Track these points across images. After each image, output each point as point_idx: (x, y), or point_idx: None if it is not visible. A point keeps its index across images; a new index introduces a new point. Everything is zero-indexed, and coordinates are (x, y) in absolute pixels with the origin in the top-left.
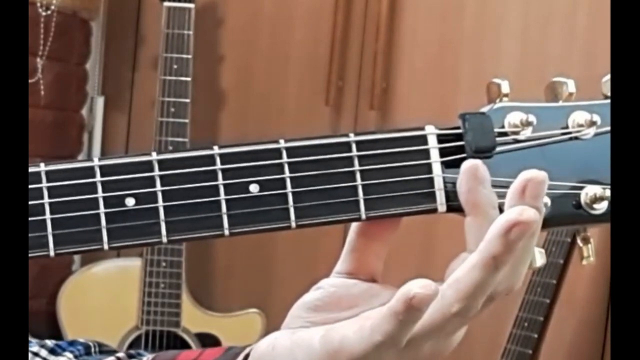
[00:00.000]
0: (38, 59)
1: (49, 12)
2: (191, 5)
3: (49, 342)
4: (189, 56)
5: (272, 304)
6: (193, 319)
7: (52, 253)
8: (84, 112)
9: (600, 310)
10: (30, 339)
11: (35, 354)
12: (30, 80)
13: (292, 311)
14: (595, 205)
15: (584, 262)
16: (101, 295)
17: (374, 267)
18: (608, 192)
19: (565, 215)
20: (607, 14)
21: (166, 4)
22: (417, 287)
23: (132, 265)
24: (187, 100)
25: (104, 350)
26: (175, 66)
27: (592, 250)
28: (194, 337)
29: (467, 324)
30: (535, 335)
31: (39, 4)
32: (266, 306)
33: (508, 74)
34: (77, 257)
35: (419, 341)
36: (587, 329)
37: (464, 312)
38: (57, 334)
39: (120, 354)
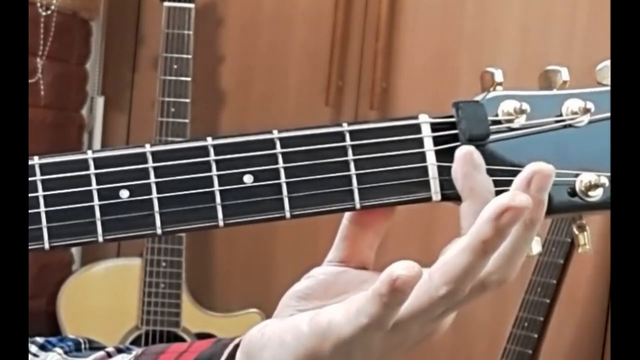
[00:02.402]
0: (38, 59)
1: (49, 12)
2: (191, 5)
3: (39, 339)
4: (189, 56)
5: (272, 304)
6: (193, 319)
7: (46, 246)
8: (84, 112)
9: (600, 310)
10: None
11: None
12: (30, 80)
13: (282, 300)
14: (590, 193)
15: (580, 250)
16: (101, 295)
17: (365, 256)
18: (603, 179)
19: (560, 203)
20: (607, 14)
21: (166, 4)
22: (400, 269)
23: (132, 265)
24: (187, 100)
25: (94, 346)
26: (175, 66)
27: (588, 238)
28: (194, 337)
29: (455, 309)
30: (535, 335)
31: (39, 4)
32: (266, 306)
33: (508, 73)
34: (77, 257)
35: (407, 324)
36: (587, 329)
37: (451, 296)
38: (57, 334)
39: (109, 349)
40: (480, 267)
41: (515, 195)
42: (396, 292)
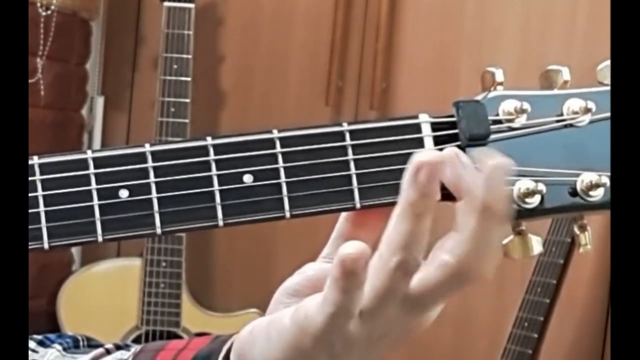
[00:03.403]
0: (38, 59)
1: (49, 12)
2: (191, 5)
3: (37, 336)
4: (189, 56)
5: None
6: (193, 319)
7: (46, 245)
8: (84, 112)
9: (600, 310)
10: None
11: None
12: (30, 80)
13: (275, 297)
14: (591, 193)
15: (581, 250)
16: (101, 295)
17: None
18: (604, 179)
19: (561, 203)
20: (607, 14)
21: (166, 4)
22: (346, 250)
23: (132, 265)
24: (187, 100)
25: (92, 344)
26: (175, 66)
27: (589, 238)
28: (193, 337)
29: (437, 301)
30: (535, 335)
31: (39, 4)
32: (266, 306)
33: (508, 73)
34: (77, 257)
35: (376, 307)
36: (587, 329)
37: (403, 266)
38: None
39: (109, 345)
40: (421, 232)
41: (428, 151)
42: (349, 273)
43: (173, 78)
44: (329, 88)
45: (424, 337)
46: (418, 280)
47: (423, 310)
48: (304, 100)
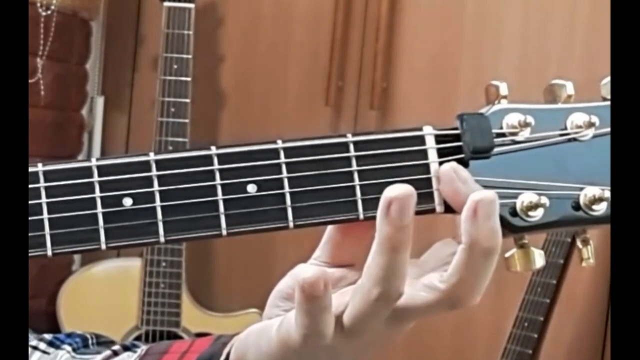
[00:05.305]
0: (38, 59)
1: (49, 12)
2: (191, 5)
3: (47, 336)
4: (189, 56)
5: None
6: (193, 319)
7: (49, 253)
8: (84, 112)
9: (600, 310)
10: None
11: (34, 347)
12: (30, 80)
13: (269, 300)
14: (594, 207)
15: (584, 264)
16: (101, 295)
17: (347, 260)
18: (607, 193)
19: (564, 217)
20: (607, 15)
21: (166, 4)
22: (303, 275)
23: (132, 265)
24: (187, 100)
25: (101, 341)
26: (175, 66)
27: (592, 251)
28: (193, 337)
29: (419, 317)
30: (535, 335)
31: (39, 4)
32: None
33: (508, 74)
34: (77, 257)
35: (358, 327)
36: (587, 329)
37: (385, 296)
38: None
39: (116, 347)
40: (400, 264)
41: (394, 187)
42: (311, 298)
43: (173, 78)
44: (329, 88)
45: (424, 337)
46: (406, 296)
47: (408, 322)
48: (304, 100)
